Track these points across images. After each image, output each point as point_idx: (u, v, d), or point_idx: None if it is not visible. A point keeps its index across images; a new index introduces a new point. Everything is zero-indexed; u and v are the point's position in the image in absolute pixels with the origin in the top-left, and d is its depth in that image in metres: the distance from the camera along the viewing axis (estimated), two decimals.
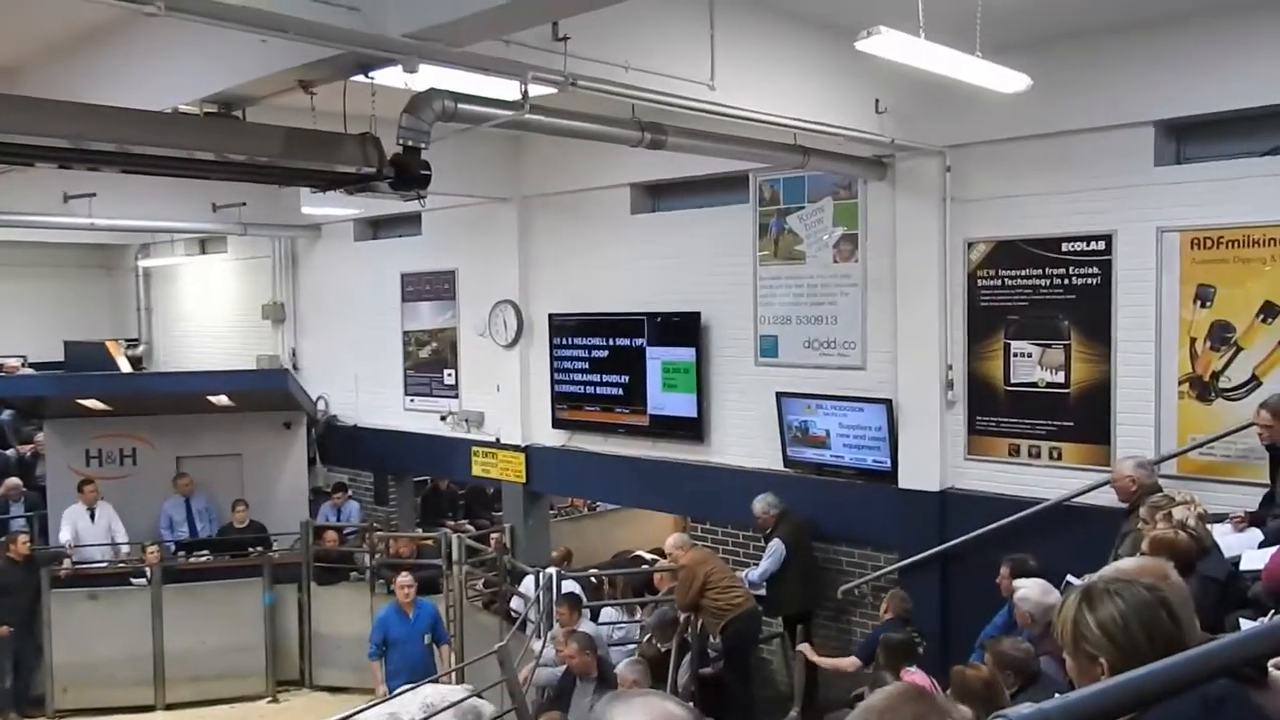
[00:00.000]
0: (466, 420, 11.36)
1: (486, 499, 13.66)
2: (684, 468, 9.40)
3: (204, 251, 15.84)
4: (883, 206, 8.01)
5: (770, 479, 8.70)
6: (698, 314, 9.23)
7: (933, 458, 7.78)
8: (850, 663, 7.14)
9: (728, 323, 9.09)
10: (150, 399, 12.17)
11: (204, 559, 11.42)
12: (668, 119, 6.21)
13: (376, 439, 12.66)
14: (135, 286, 16.93)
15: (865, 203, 8.13)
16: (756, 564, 8.35)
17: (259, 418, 12.25)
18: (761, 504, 8.24)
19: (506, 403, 10.96)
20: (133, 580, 10.74)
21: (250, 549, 11.29)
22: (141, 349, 16.68)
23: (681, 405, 9.28)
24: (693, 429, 9.27)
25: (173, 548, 11.67)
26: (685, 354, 9.23)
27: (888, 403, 7.96)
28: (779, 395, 8.62)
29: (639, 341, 9.59)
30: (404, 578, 8.95)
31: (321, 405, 13.31)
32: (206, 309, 15.83)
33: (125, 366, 14.78)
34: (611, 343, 9.81)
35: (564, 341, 10.28)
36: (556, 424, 10.45)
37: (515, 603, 9.53)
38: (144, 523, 11.67)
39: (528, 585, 9.15)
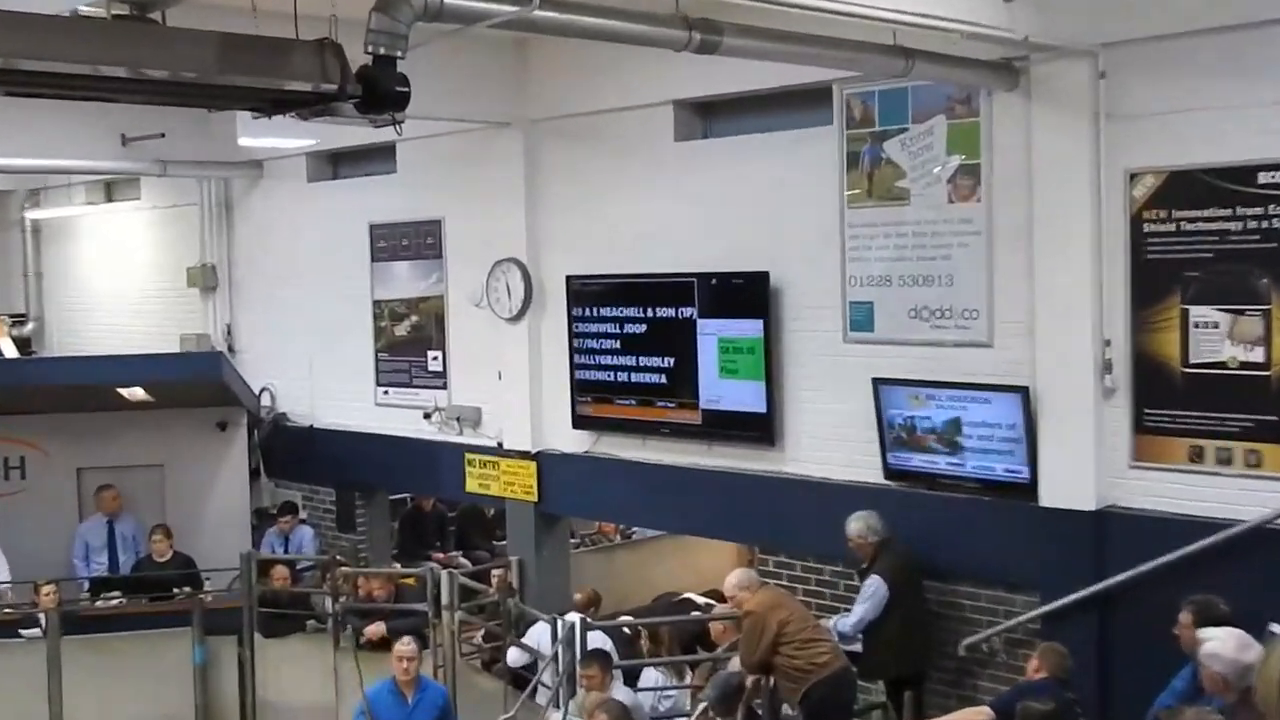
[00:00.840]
0: (458, 419, 11.24)
1: (485, 523, 13.55)
2: (749, 481, 9.31)
3: (110, 199, 15.75)
4: (1014, 127, 7.88)
5: (866, 495, 8.57)
6: (765, 274, 9.08)
7: (1085, 465, 7.64)
8: (979, 714, 7.04)
9: (806, 285, 8.97)
10: (42, 392, 12.08)
11: (115, 602, 11.22)
12: (723, 13, 6.14)
13: (339, 444, 12.53)
14: (21, 245, 16.85)
15: (990, 122, 8.00)
16: (848, 610, 8.30)
17: (184, 417, 12.15)
18: (858, 526, 8.17)
19: (512, 395, 10.88)
20: (22, 631, 10.63)
21: (175, 589, 11.15)
22: (30, 327, 16.60)
23: (746, 396, 9.19)
24: (761, 428, 9.16)
25: (86, 585, 11.73)
26: (750, 328, 9.11)
27: (1023, 391, 7.82)
28: (876, 382, 8.49)
29: (688, 311, 9.50)
30: (404, 647, 8.73)
31: (266, 400, 13.20)
32: (114, 274, 15.70)
33: (10, 351, 14.79)
34: (652, 313, 9.73)
35: (587, 312, 10.24)
36: (578, 423, 10.38)
37: (513, 655, 9.42)
38: (35, 554, 11.58)
39: (539, 636, 9.08)
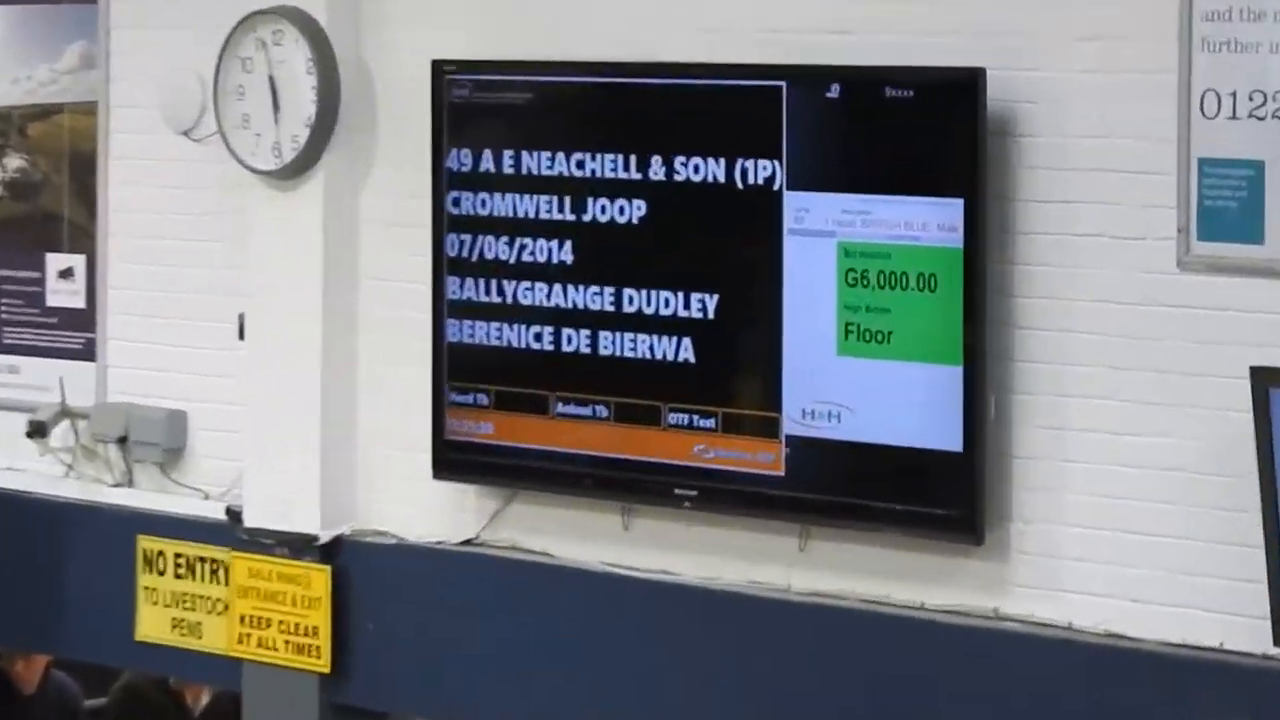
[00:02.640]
0: (121, 442, 10.11)
1: None
2: (915, 636, 8.08)
3: None
4: None
5: (1228, 682, 7.37)
6: (977, 76, 7.57)
7: None
8: None
9: (1082, 112, 7.49)
10: None
11: None
12: None
13: None
14: None
15: None
16: None
17: None
18: None
19: (272, 382, 9.68)
20: None
21: None
22: None
23: (909, 409, 8.05)
24: (948, 496, 7.71)
25: None
26: (929, 219, 7.89)
27: None
28: (1259, 378, 6.93)
29: (763, 168, 8.20)
30: None
31: None
32: None
33: None
34: (665, 173, 8.42)
35: (488, 164, 8.62)
36: (448, 462, 8.86)
37: None
38: None
39: None
